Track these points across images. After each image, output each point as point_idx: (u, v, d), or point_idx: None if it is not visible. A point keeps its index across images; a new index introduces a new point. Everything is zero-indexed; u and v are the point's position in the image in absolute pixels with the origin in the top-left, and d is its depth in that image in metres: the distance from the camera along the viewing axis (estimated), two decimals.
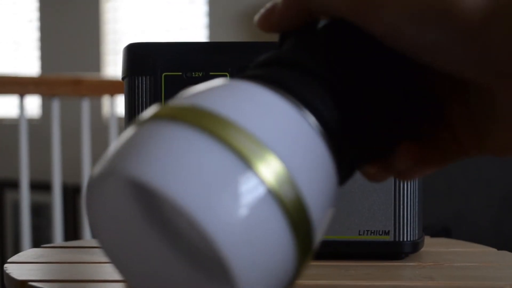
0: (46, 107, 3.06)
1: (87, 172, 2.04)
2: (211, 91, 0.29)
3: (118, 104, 2.06)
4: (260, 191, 0.26)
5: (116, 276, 0.51)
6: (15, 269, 0.49)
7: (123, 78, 0.59)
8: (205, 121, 0.27)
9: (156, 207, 0.32)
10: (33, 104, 3.19)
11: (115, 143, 0.29)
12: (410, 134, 0.35)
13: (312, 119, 0.30)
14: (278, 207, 0.27)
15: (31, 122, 2.61)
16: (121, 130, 1.94)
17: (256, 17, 0.35)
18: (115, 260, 0.31)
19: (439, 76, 0.34)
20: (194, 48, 0.58)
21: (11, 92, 1.98)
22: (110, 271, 0.52)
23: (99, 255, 0.57)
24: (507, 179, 1.78)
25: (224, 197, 0.26)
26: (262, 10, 0.35)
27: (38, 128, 2.67)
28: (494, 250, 0.60)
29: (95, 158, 2.10)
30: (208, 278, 0.32)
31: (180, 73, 0.56)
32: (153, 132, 0.28)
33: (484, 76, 0.30)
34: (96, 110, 2.86)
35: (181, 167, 0.26)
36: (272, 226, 0.27)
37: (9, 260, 0.53)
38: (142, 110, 0.57)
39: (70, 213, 2.82)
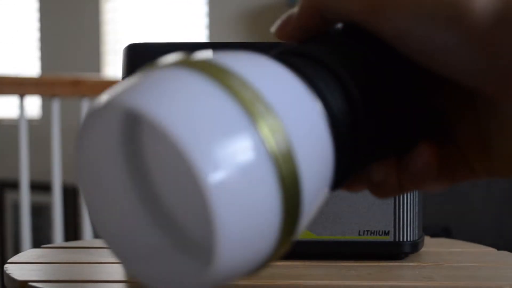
0: (46, 108, 3.06)
1: None
2: (229, 54, 0.29)
3: None
4: (260, 150, 0.26)
5: (117, 276, 0.51)
6: (15, 270, 0.49)
7: (123, 79, 0.59)
8: (215, 71, 0.27)
9: (144, 170, 0.32)
10: (33, 105, 3.19)
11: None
12: (412, 141, 0.35)
13: (320, 106, 0.30)
14: (273, 171, 0.26)
15: (31, 123, 2.61)
16: None
17: (273, 27, 0.36)
18: (91, 207, 0.31)
19: (448, 89, 0.34)
20: (194, 49, 0.57)
21: (11, 92, 1.98)
22: (110, 271, 0.52)
23: (99, 256, 0.57)
24: (507, 179, 1.78)
25: (223, 144, 0.25)
26: (278, 20, 0.36)
27: (38, 129, 2.67)
28: (494, 250, 0.60)
29: None
30: (182, 252, 0.31)
31: None
32: (159, 74, 0.28)
33: (491, 84, 0.30)
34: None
35: (184, 103, 0.26)
36: (264, 189, 0.26)
37: (9, 261, 0.53)
38: None
39: (70, 213, 2.83)
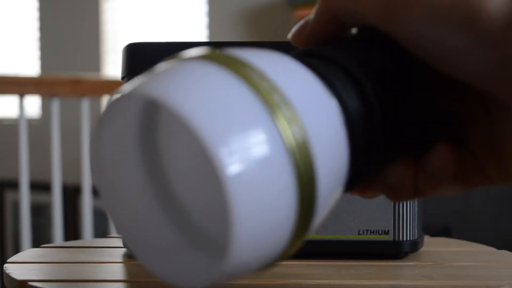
0: (46, 107, 3.06)
1: (87, 172, 2.04)
2: (247, 50, 0.29)
3: None
4: (277, 142, 0.26)
5: (117, 276, 0.51)
6: (15, 269, 0.49)
7: (122, 78, 0.59)
8: (233, 63, 0.27)
9: (160, 165, 0.32)
10: (33, 104, 3.19)
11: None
12: (427, 143, 0.35)
13: (336, 104, 0.30)
14: (289, 164, 0.26)
15: (31, 122, 2.61)
16: None
17: (290, 34, 0.36)
18: (107, 200, 0.31)
19: (460, 92, 0.34)
20: (196, 47, 0.57)
21: (11, 92, 1.98)
22: (110, 271, 0.52)
23: (99, 255, 0.57)
24: None
25: (241, 135, 0.25)
26: (295, 27, 0.36)
27: (38, 128, 2.67)
28: (493, 249, 0.60)
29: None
30: (196, 247, 0.32)
31: None
32: (178, 66, 0.28)
33: (503, 86, 0.30)
34: (95, 110, 2.85)
35: (203, 93, 0.26)
36: (280, 181, 0.26)
37: (9, 260, 0.53)
38: None
39: (70, 213, 2.83)
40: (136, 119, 0.31)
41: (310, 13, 0.36)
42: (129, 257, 0.55)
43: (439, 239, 0.66)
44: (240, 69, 0.27)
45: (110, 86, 2.02)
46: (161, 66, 0.29)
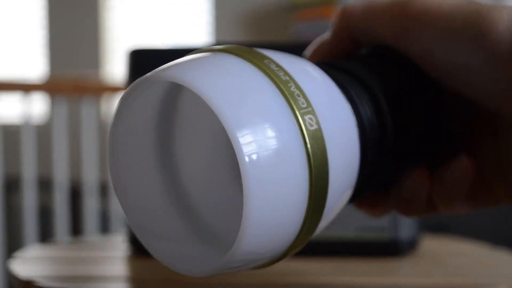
0: (51, 109, 3.06)
1: (87, 172, 2.04)
2: (269, 50, 0.30)
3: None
4: (295, 133, 0.27)
5: (121, 273, 0.51)
6: (19, 266, 0.50)
7: (127, 84, 0.59)
8: (252, 55, 0.28)
9: (173, 157, 0.33)
10: (38, 106, 3.19)
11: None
12: (439, 157, 0.35)
13: (352, 111, 0.31)
14: (304, 156, 0.27)
15: (36, 124, 2.61)
16: None
17: (306, 51, 0.37)
18: (117, 178, 0.32)
19: (470, 110, 0.34)
20: None
21: (15, 93, 1.98)
22: (113, 268, 0.52)
23: (103, 251, 0.58)
24: None
25: (262, 123, 0.26)
26: (311, 45, 0.37)
27: (43, 129, 2.67)
28: (491, 248, 0.60)
29: (97, 158, 2.11)
30: (200, 239, 0.32)
31: None
32: (201, 56, 0.29)
33: (511, 105, 0.30)
34: (98, 111, 2.86)
35: (226, 80, 0.27)
36: (293, 171, 0.27)
37: (13, 257, 0.53)
38: None
39: (74, 214, 2.83)
40: (154, 110, 0.32)
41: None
42: (133, 254, 0.55)
43: (437, 237, 0.66)
44: (259, 60, 0.28)
45: (115, 87, 2.02)
46: (180, 59, 0.29)
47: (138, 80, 0.28)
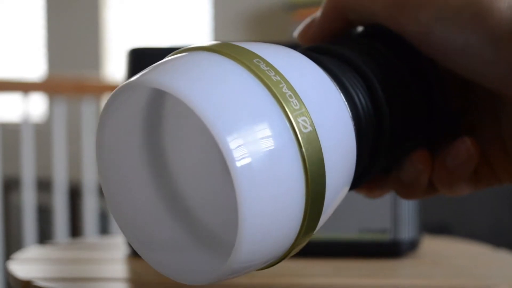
0: (50, 108, 3.07)
1: (86, 172, 2.04)
2: (257, 43, 0.29)
3: None
4: (287, 136, 0.26)
5: (121, 274, 0.51)
6: (19, 267, 0.50)
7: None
8: (244, 56, 0.27)
9: (164, 161, 0.31)
10: (37, 106, 3.19)
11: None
12: (433, 143, 0.34)
13: (345, 101, 0.30)
14: (299, 160, 0.26)
15: (36, 123, 2.61)
16: None
17: (296, 32, 0.36)
18: (109, 194, 0.30)
19: (469, 91, 0.33)
20: None
21: (15, 92, 1.98)
22: (113, 269, 0.52)
23: (102, 252, 0.58)
24: None
25: (250, 126, 0.25)
26: (301, 25, 0.36)
27: (42, 129, 2.67)
28: (492, 249, 0.60)
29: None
30: (199, 244, 0.31)
31: None
32: (187, 57, 0.27)
33: (510, 86, 0.29)
34: (98, 110, 2.86)
35: (210, 82, 0.25)
36: (289, 175, 0.26)
37: (12, 258, 0.53)
38: None
39: (73, 214, 2.83)
40: (141, 113, 0.31)
41: (314, 12, 0.36)
42: (133, 255, 0.55)
43: (438, 238, 0.66)
44: (248, 60, 0.27)
45: (114, 87, 2.02)
46: (166, 58, 0.28)
47: (122, 85, 0.27)
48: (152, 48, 0.57)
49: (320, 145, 0.27)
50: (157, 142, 0.32)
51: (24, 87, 1.93)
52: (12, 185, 2.86)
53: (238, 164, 0.24)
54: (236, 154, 0.24)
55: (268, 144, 0.25)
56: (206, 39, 3.00)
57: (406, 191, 0.35)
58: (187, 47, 0.29)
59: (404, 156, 0.34)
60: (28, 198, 2.01)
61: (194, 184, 0.33)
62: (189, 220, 0.32)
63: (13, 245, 3.14)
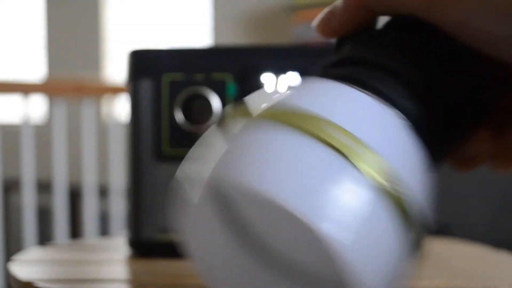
0: (50, 110, 3.07)
1: (87, 174, 2.04)
2: (301, 91, 0.28)
3: (119, 107, 2.06)
4: (377, 198, 0.25)
5: (121, 275, 0.51)
6: (19, 268, 0.50)
7: (127, 84, 0.59)
8: (300, 121, 0.26)
9: (242, 222, 0.31)
10: (37, 107, 3.20)
11: (206, 154, 0.26)
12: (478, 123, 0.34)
13: (400, 117, 0.29)
14: (388, 202, 0.25)
15: (36, 125, 2.61)
16: (121, 132, 1.95)
17: (315, 22, 0.34)
18: (207, 274, 0.30)
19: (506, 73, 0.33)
20: (199, 54, 0.57)
21: (15, 94, 1.98)
22: (113, 271, 0.52)
23: (103, 253, 0.58)
24: (506, 178, 1.78)
25: (340, 202, 0.24)
26: (320, 15, 0.34)
27: (43, 131, 2.67)
28: (492, 250, 0.60)
29: (96, 160, 2.11)
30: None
31: (184, 79, 0.56)
32: (250, 139, 0.26)
33: None
34: (98, 112, 2.87)
35: (290, 169, 0.24)
36: (384, 222, 0.25)
37: (13, 259, 0.53)
38: (146, 115, 0.57)
39: (73, 215, 2.83)
40: (220, 205, 0.29)
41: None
42: (133, 256, 0.55)
43: (438, 239, 0.66)
44: (317, 128, 0.26)
45: (114, 89, 2.02)
46: (226, 140, 0.27)
47: (194, 196, 0.26)
48: (153, 50, 0.58)
49: (406, 192, 0.26)
50: (241, 219, 0.30)
51: (24, 89, 1.93)
52: (13, 186, 2.87)
53: (341, 244, 0.23)
54: (335, 236, 0.23)
55: (360, 213, 0.24)
56: (207, 40, 3.00)
57: (462, 167, 0.34)
58: (239, 109, 0.28)
59: (461, 142, 0.34)
60: (28, 200, 2.01)
61: (290, 250, 0.31)
62: (284, 275, 0.31)
63: (13, 246, 3.14)
